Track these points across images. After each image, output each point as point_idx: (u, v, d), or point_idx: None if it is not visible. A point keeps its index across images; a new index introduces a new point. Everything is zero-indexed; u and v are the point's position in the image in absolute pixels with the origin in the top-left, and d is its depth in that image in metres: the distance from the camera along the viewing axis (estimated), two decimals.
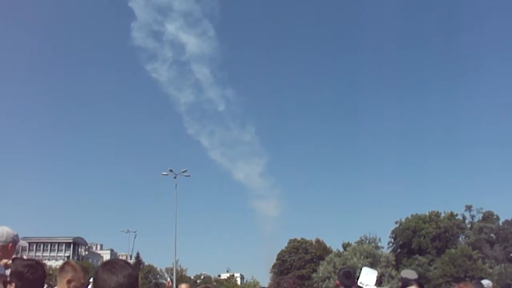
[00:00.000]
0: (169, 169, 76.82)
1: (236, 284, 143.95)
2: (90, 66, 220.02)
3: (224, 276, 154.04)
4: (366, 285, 8.59)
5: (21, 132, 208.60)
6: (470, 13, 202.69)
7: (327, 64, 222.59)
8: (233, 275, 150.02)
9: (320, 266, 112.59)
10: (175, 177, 75.91)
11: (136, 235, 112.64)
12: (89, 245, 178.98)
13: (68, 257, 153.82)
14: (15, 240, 5.75)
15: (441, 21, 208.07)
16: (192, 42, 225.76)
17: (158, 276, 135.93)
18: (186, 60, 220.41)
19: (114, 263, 3.74)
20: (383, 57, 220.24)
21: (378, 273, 9.77)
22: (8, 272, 5.11)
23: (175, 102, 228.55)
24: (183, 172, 77.14)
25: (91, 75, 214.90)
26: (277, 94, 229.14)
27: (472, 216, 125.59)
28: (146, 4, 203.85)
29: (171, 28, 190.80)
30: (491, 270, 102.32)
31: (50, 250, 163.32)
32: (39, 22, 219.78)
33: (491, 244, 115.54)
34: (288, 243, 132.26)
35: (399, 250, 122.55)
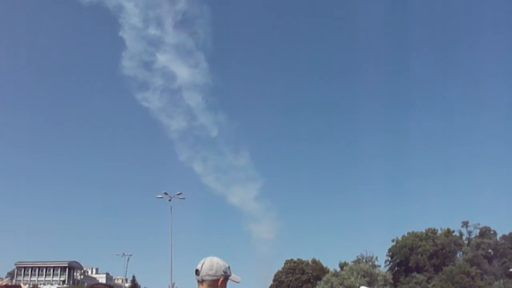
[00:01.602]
0: (164, 192, 76.67)
1: None
2: (81, 92, 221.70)
3: None
4: None
5: (15, 158, 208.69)
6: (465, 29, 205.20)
7: (320, 86, 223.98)
8: None
9: (317, 287, 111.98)
10: (170, 200, 75.65)
11: (129, 258, 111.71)
12: (84, 269, 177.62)
13: (64, 281, 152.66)
14: (226, 274, 5.10)
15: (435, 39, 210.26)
16: (183, 71, 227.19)
17: None
18: (178, 88, 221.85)
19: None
20: (377, 78, 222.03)
21: None
22: None
23: (167, 129, 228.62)
24: (178, 194, 76.93)
25: (82, 101, 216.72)
26: (270, 118, 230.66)
27: (469, 232, 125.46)
28: (137, 34, 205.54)
29: (163, 58, 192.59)
30: (490, 287, 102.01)
31: (46, 275, 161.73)
32: (30, 48, 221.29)
33: (489, 259, 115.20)
34: (284, 263, 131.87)
35: (396, 269, 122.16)
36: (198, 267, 5.03)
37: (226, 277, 5.06)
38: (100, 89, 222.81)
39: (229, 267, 5.13)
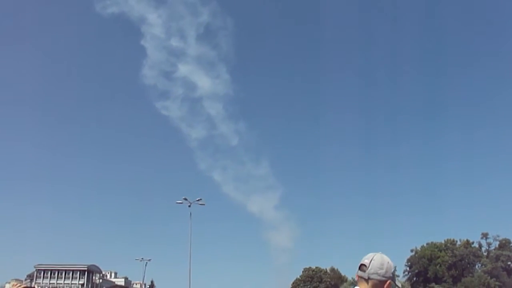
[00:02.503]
0: (183, 197, 77.16)
1: None
2: (102, 99, 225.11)
3: None
4: None
5: (39, 161, 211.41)
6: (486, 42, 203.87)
7: (341, 93, 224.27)
8: None
9: None
10: (189, 206, 76.19)
11: (147, 262, 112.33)
12: (103, 272, 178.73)
13: (83, 284, 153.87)
14: (393, 276, 4.58)
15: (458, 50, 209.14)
16: (204, 81, 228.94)
17: None
18: (198, 97, 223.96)
19: None
20: (398, 86, 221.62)
21: None
22: None
23: (187, 137, 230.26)
24: (198, 200, 77.39)
25: (104, 108, 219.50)
26: (290, 127, 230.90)
27: (489, 244, 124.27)
28: (158, 44, 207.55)
29: (184, 69, 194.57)
30: None
31: (65, 278, 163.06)
32: (53, 54, 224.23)
33: (509, 272, 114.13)
34: (302, 271, 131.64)
35: (414, 279, 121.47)
36: (365, 262, 4.57)
37: (392, 280, 4.57)
38: (120, 96, 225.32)
39: (396, 267, 4.69)
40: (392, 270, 4.56)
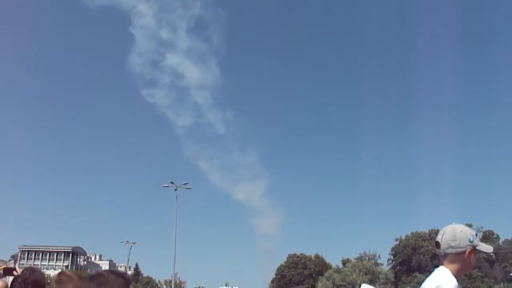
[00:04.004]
0: (170, 181, 76.78)
1: None
2: (87, 84, 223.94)
3: None
4: None
5: (22, 142, 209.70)
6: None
7: (327, 85, 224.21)
8: None
9: (319, 282, 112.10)
10: (176, 189, 75.85)
11: (131, 245, 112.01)
12: (88, 255, 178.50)
13: (67, 266, 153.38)
14: (474, 244, 4.22)
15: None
16: (193, 70, 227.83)
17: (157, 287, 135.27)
18: (186, 85, 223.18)
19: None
20: (386, 77, 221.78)
21: None
22: None
23: (173, 125, 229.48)
24: (184, 184, 77.09)
25: (88, 92, 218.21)
26: (277, 116, 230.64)
27: None
28: (148, 34, 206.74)
29: (172, 58, 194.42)
30: None
31: (49, 259, 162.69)
32: (41, 37, 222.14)
33: (491, 263, 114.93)
34: (287, 258, 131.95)
35: (398, 267, 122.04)
36: (438, 238, 4.30)
37: (473, 247, 4.19)
38: (106, 82, 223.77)
39: (476, 235, 4.24)
40: (469, 237, 4.19)
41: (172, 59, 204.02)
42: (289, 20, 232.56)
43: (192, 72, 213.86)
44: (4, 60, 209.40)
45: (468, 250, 4.15)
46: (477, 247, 4.17)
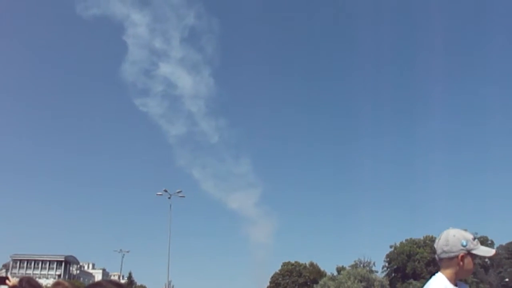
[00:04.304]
0: (163, 189, 76.52)
1: None
2: (81, 91, 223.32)
3: None
4: None
5: (15, 151, 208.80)
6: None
7: (323, 89, 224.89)
8: None
9: None
10: (169, 197, 75.56)
11: (124, 254, 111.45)
12: (81, 264, 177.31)
13: (60, 275, 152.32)
14: (468, 248, 4.10)
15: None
16: (186, 80, 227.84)
17: None
18: (179, 94, 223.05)
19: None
20: (380, 82, 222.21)
21: None
22: None
23: (166, 134, 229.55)
24: (178, 192, 76.83)
25: (82, 99, 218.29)
26: (271, 124, 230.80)
27: None
28: (141, 43, 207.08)
29: (166, 68, 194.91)
30: None
31: (41, 268, 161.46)
32: (33, 46, 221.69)
33: (486, 269, 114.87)
34: (281, 266, 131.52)
35: (393, 275, 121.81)
36: (435, 243, 4.28)
37: (467, 251, 4.09)
38: (99, 90, 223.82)
39: (474, 239, 4.11)
40: (462, 241, 4.09)
41: (165, 68, 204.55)
42: (282, 29, 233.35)
43: (185, 82, 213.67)
44: None
45: (461, 255, 4.09)
46: (473, 251, 4.07)
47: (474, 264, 4.14)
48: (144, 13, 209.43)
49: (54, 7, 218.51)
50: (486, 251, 4.12)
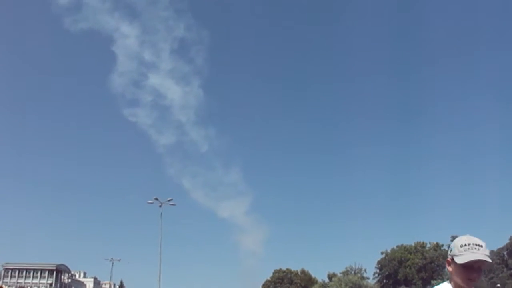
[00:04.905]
0: (154, 197, 76.49)
1: None
2: (69, 101, 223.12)
3: None
4: None
5: (6, 159, 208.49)
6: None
7: (312, 98, 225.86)
8: None
9: None
10: (160, 206, 75.54)
11: (113, 262, 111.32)
12: (72, 272, 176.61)
13: (51, 284, 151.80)
14: (452, 254, 4.16)
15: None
16: (175, 90, 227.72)
17: None
18: (168, 105, 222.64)
19: None
20: (371, 91, 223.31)
21: None
22: None
23: (155, 143, 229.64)
24: (169, 201, 76.85)
25: (71, 110, 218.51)
26: (260, 130, 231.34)
27: None
28: (129, 54, 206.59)
29: (155, 80, 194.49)
30: None
31: (33, 277, 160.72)
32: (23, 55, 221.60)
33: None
34: (273, 273, 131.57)
35: (384, 281, 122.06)
36: None
37: (451, 257, 4.13)
38: (88, 101, 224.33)
39: (463, 245, 4.11)
40: (451, 247, 4.20)
41: (154, 80, 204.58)
42: (271, 39, 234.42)
43: (174, 92, 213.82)
44: None
45: (447, 260, 4.18)
46: (455, 258, 4.09)
47: (468, 273, 4.03)
48: (133, 25, 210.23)
49: (42, 22, 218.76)
50: (464, 258, 4.04)
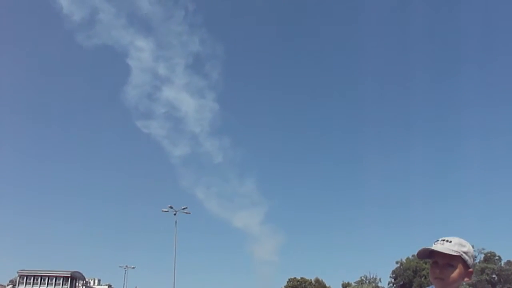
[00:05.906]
0: (169, 205, 76.71)
1: None
2: (84, 113, 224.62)
3: None
4: None
5: (23, 167, 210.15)
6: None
7: (327, 108, 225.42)
8: None
9: None
10: (175, 214, 75.74)
11: (126, 270, 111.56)
12: (86, 279, 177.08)
13: None
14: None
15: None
16: (190, 102, 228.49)
17: None
18: (183, 116, 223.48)
19: None
20: (383, 97, 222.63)
21: None
22: None
23: (169, 155, 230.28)
24: (184, 209, 77.03)
25: (86, 121, 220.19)
26: (275, 141, 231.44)
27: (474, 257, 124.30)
28: (144, 68, 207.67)
29: (169, 91, 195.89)
30: None
31: (48, 284, 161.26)
32: (38, 68, 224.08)
33: (493, 285, 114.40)
34: (287, 282, 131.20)
35: None
36: None
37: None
38: (101, 112, 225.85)
39: (442, 240, 4.07)
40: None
41: (168, 92, 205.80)
42: (286, 51, 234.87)
43: (188, 105, 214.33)
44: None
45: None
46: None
47: (432, 269, 3.91)
48: (148, 40, 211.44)
49: (53, 37, 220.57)
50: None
